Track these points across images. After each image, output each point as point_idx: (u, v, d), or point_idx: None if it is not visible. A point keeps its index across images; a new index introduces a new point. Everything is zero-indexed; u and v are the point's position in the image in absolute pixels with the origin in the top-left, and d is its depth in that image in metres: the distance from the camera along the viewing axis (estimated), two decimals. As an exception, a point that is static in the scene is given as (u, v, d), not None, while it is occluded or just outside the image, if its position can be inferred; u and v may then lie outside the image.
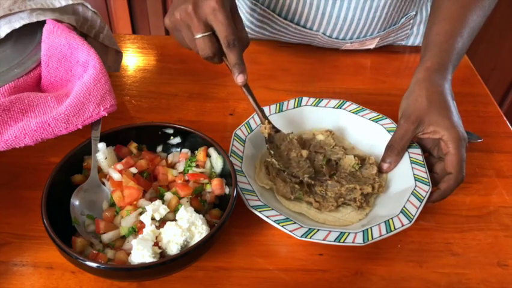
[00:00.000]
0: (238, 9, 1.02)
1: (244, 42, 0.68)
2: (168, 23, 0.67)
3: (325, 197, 0.66)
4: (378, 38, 0.97)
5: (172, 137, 0.69)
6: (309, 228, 0.59)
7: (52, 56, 0.74)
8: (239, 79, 0.67)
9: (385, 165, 0.70)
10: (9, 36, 0.77)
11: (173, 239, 0.55)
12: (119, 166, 0.62)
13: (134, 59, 0.96)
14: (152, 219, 0.57)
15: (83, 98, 0.67)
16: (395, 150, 0.69)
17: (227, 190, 0.63)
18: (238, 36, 0.65)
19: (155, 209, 0.57)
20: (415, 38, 1.05)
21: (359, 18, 0.91)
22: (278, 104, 0.77)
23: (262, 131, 0.71)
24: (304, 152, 0.70)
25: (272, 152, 0.69)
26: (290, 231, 0.58)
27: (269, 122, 0.71)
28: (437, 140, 0.67)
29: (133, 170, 0.62)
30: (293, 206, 0.66)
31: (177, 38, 0.70)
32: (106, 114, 0.68)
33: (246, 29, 1.01)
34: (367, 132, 0.76)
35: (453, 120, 0.66)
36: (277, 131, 0.72)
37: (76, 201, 0.60)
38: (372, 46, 0.99)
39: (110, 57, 0.87)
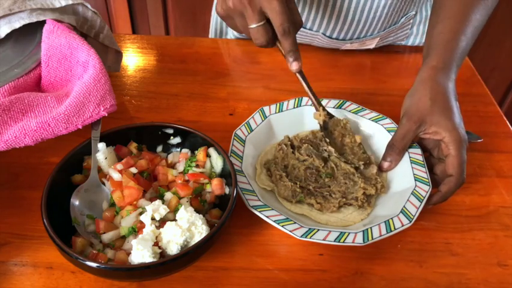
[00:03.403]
0: None
1: (297, 25, 0.66)
2: (220, 11, 0.66)
3: (327, 198, 0.66)
4: (378, 38, 0.97)
5: (172, 137, 0.69)
6: (309, 228, 0.59)
7: (52, 56, 0.74)
8: (293, 66, 0.66)
9: (386, 164, 0.70)
10: (9, 36, 0.77)
11: (173, 239, 0.55)
12: (119, 166, 0.62)
13: (134, 59, 0.96)
14: (152, 219, 0.57)
15: (83, 98, 0.67)
16: (396, 150, 0.68)
17: (227, 190, 0.63)
18: (292, 21, 0.64)
19: (155, 209, 0.57)
20: (415, 38, 1.05)
21: (358, 18, 0.91)
22: (278, 104, 0.77)
23: (316, 117, 0.72)
24: (358, 138, 0.71)
25: (328, 140, 0.71)
26: (290, 231, 0.58)
27: (324, 109, 0.72)
28: (438, 141, 0.67)
29: (133, 170, 0.62)
30: (295, 208, 0.66)
31: (230, 25, 0.69)
32: (106, 114, 0.68)
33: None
34: (367, 132, 0.76)
35: (455, 122, 0.66)
36: (331, 116, 0.73)
37: (76, 201, 0.60)
38: (372, 46, 0.99)
39: (110, 57, 0.87)
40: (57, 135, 0.65)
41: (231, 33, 1.10)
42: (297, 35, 0.96)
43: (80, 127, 0.66)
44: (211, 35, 1.19)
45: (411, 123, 0.67)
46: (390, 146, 0.69)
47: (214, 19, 1.15)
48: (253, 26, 0.63)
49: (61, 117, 0.65)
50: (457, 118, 0.66)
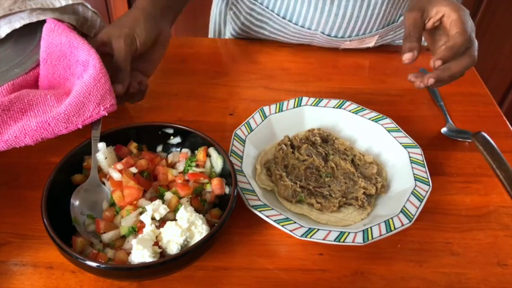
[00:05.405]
0: (237, 8, 1.02)
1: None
2: None
3: (327, 197, 0.66)
4: (377, 36, 0.97)
5: (172, 137, 0.69)
6: (309, 228, 0.59)
7: (52, 53, 0.73)
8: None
9: (408, 55, 0.67)
10: (9, 36, 0.77)
11: (173, 239, 0.55)
12: (119, 166, 0.62)
13: (134, 59, 0.96)
14: (152, 218, 0.57)
15: (83, 97, 0.67)
16: (413, 37, 0.68)
17: (227, 190, 0.63)
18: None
19: (155, 208, 0.57)
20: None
21: (357, 15, 0.91)
22: (278, 104, 0.77)
23: None
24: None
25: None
26: (290, 230, 0.58)
27: None
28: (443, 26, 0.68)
29: (133, 169, 0.62)
30: (295, 208, 0.66)
31: None
32: (106, 114, 0.67)
33: (245, 28, 1.02)
34: (367, 132, 0.76)
35: (456, 2, 0.67)
36: None
37: (76, 201, 0.60)
38: (371, 44, 0.99)
39: (110, 57, 0.87)
40: (57, 135, 0.65)
41: (229, 34, 1.10)
42: (296, 35, 0.97)
43: (80, 127, 0.66)
44: (210, 35, 1.19)
45: (415, 12, 0.69)
46: (407, 37, 0.68)
47: (213, 19, 1.16)
48: None
49: (61, 116, 0.65)
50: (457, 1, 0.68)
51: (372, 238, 0.58)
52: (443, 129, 0.81)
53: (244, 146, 0.70)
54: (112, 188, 0.61)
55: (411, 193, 0.64)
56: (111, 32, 0.71)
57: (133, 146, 0.67)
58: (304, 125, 0.77)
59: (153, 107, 0.84)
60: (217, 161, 0.65)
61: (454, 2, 0.68)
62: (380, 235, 0.58)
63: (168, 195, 0.61)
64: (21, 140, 0.63)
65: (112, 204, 0.61)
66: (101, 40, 0.72)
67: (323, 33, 0.95)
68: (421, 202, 0.62)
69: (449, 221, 0.67)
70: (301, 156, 0.71)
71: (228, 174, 0.62)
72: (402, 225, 0.59)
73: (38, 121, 0.64)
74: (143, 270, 0.52)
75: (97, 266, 0.50)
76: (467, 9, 0.69)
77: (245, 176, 0.66)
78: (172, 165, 0.67)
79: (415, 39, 0.68)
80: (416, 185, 0.65)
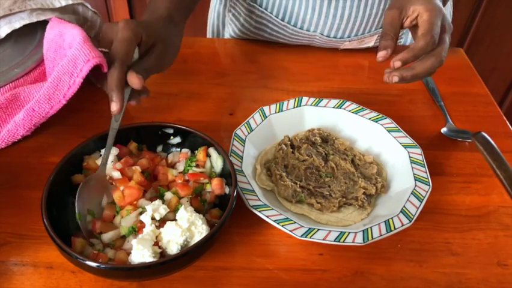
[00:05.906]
0: (236, 10, 1.02)
1: None
2: None
3: (327, 197, 0.66)
4: (377, 36, 0.97)
5: (172, 137, 0.69)
6: (309, 228, 0.59)
7: (50, 48, 0.73)
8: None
9: (383, 53, 0.68)
10: (9, 36, 0.77)
11: (174, 239, 0.55)
12: (118, 165, 0.62)
13: (134, 59, 0.96)
14: (152, 219, 0.57)
15: (60, 73, 0.65)
16: (389, 36, 0.69)
17: (227, 190, 0.63)
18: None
19: (155, 208, 0.57)
20: (414, 37, 1.05)
21: (355, 16, 0.91)
22: (278, 104, 0.77)
23: None
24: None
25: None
26: (290, 231, 0.58)
27: None
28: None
29: (138, 168, 0.62)
30: (295, 208, 0.66)
31: None
32: (82, 80, 0.65)
33: (244, 30, 1.02)
34: (367, 132, 0.76)
35: (433, 2, 0.68)
36: None
37: (82, 195, 0.59)
38: (371, 44, 0.99)
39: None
40: (47, 117, 0.64)
41: (228, 35, 1.10)
42: (295, 36, 0.97)
43: (64, 102, 0.64)
44: (208, 35, 1.19)
45: (393, 10, 0.70)
46: (383, 36, 0.69)
47: (211, 21, 1.15)
48: None
49: (42, 98, 0.64)
50: (436, 0, 0.69)
51: (372, 238, 0.58)
52: (443, 129, 0.81)
53: (244, 146, 0.70)
54: (115, 186, 0.60)
55: (411, 193, 0.64)
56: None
57: (133, 146, 0.67)
58: (304, 125, 0.77)
59: (153, 107, 0.84)
60: (217, 161, 0.65)
61: (431, 2, 0.69)
62: (380, 235, 0.58)
63: (168, 195, 0.61)
64: (15, 133, 0.63)
65: (113, 202, 0.60)
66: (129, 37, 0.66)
67: (322, 34, 0.95)
68: (421, 202, 0.62)
69: (449, 221, 0.67)
70: (301, 156, 0.71)
71: (228, 174, 0.62)
72: (402, 225, 0.59)
73: (24, 110, 0.63)
74: (143, 270, 0.52)
75: (97, 266, 0.50)
76: (441, 9, 0.69)
77: (245, 176, 0.66)
78: (172, 165, 0.67)
79: (390, 37, 0.69)
80: (416, 185, 0.65)
